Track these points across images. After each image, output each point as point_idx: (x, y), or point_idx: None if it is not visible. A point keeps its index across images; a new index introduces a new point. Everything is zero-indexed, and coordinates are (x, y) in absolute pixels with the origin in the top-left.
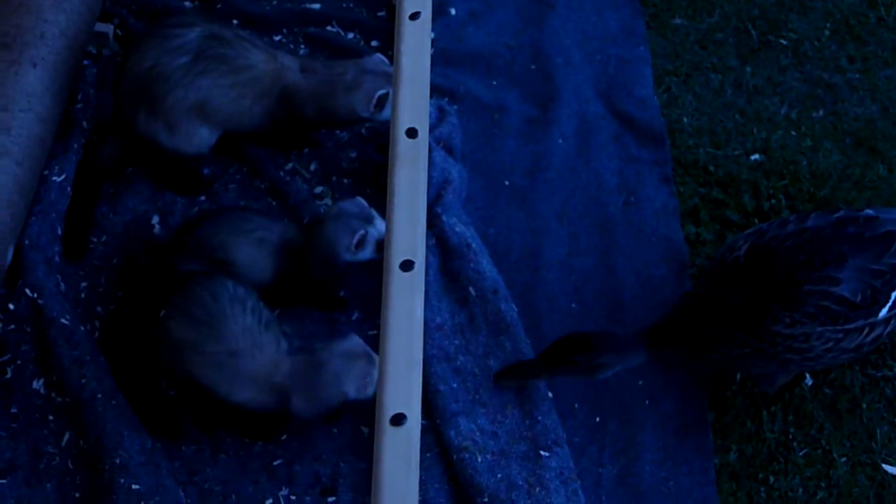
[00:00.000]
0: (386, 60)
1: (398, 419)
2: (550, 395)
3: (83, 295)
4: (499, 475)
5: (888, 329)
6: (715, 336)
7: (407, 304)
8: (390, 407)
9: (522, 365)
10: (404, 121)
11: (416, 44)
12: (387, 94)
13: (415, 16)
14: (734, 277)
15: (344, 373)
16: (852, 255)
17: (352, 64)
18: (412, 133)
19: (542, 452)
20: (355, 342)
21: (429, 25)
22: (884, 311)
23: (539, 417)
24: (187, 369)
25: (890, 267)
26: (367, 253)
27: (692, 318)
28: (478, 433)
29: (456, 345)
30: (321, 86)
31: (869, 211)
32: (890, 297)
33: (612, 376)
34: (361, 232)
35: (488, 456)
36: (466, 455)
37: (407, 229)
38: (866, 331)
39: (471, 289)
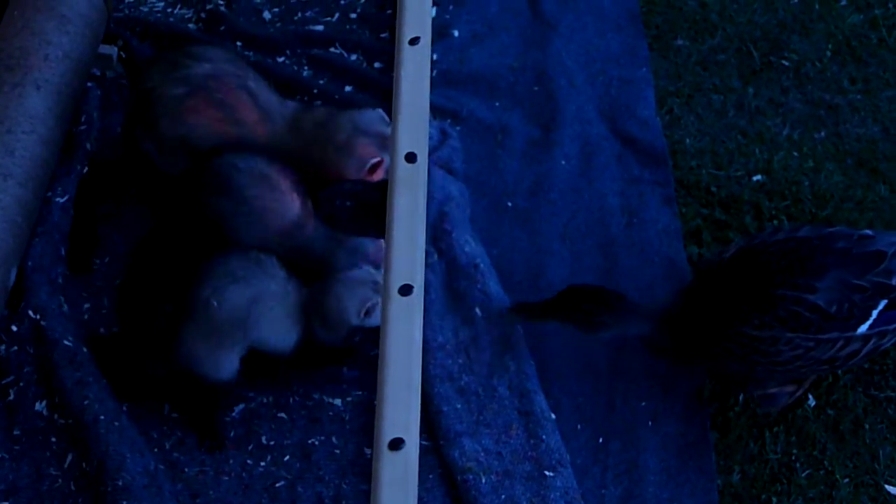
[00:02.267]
0: (385, 117)
1: (396, 444)
2: (553, 416)
3: (86, 316)
4: (503, 496)
5: (868, 348)
6: (693, 333)
7: (406, 328)
8: (388, 431)
9: (532, 305)
10: (403, 146)
11: (415, 69)
12: (380, 161)
13: (414, 41)
14: (714, 277)
15: (346, 297)
16: (834, 267)
17: (346, 121)
18: (411, 158)
19: (546, 472)
20: (364, 271)
21: (428, 51)
22: (863, 328)
23: (543, 437)
24: (247, 337)
25: (873, 284)
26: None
27: (681, 313)
28: (482, 453)
29: (459, 364)
30: (309, 148)
31: (867, 231)
32: (870, 315)
33: (618, 400)
34: (371, 303)
35: (492, 476)
36: (470, 476)
37: (406, 254)
38: (840, 343)
39: (477, 309)
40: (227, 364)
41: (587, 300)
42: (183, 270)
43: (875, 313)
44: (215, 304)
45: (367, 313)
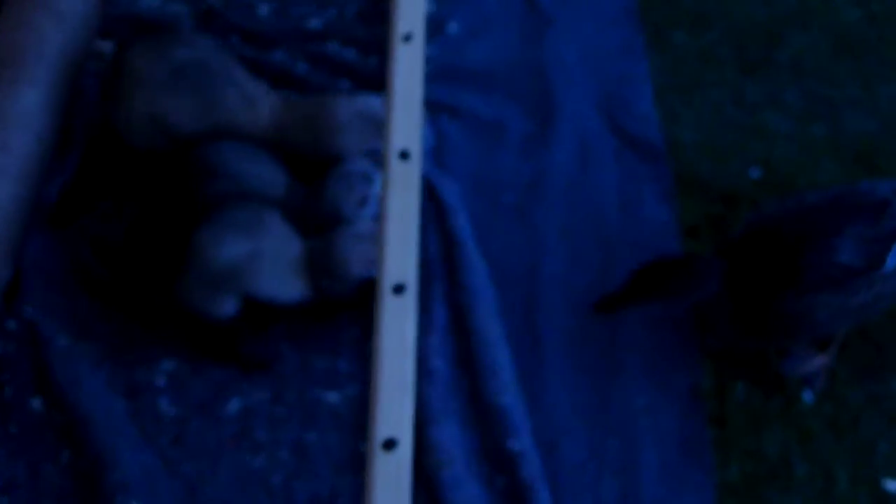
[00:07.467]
0: (373, 104)
1: (390, 444)
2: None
3: (83, 313)
4: (464, 493)
5: (890, 286)
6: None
7: (399, 328)
8: (382, 432)
9: (611, 298)
10: (397, 143)
11: (408, 66)
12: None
13: (407, 38)
14: (734, 258)
15: (339, 191)
16: (850, 224)
17: (347, 102)
18: (405, 155)
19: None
20: (354, 164)
21: (422, 47)
22: (885, 270)
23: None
24: (243, 288)
25: (886, 230)
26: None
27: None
28: (447, 442)
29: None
30: (304, 132)
31: (864, 183)
32: (885, 259)
33: (615, 396)
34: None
35: (455, 468)
36: (434, 467)
37: (399, 253)
38: (865, 288)
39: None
40: (225, 306)
41: (658, 276)
42: (183, 220)
43: (891, 256)
44: (213, 250)
45: (362, 203)
